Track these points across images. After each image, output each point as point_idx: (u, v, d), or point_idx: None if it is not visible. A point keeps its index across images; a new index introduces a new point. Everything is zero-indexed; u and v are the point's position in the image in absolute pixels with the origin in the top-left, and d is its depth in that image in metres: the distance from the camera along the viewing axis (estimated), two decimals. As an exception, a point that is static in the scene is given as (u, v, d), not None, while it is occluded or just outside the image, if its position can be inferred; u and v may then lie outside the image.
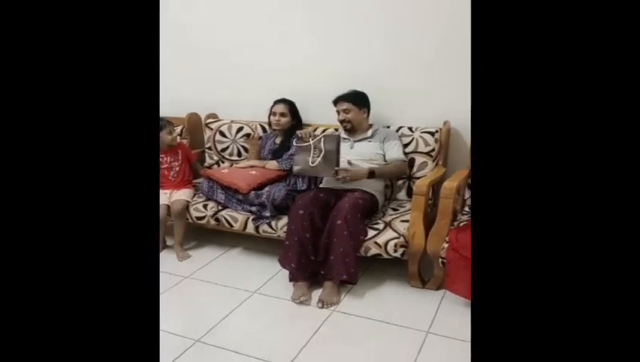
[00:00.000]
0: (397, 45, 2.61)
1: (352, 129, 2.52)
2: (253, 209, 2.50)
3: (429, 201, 2.32)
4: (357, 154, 2.46)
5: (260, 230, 2.47)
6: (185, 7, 3.10)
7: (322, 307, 2.09)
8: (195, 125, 3.20)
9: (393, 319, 1.99)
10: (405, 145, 2.55)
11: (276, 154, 2.73)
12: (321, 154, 2.31)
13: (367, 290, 2.24)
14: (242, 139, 3.02)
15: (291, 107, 2.76)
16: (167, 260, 2.59)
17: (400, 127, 2.60)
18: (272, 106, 2.77)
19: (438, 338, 1.86)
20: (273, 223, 2.43)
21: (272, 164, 2.68)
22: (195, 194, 2.77)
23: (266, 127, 2.94)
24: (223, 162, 3.08)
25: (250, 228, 2.49)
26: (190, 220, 2.68)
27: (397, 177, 2.58)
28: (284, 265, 2.27)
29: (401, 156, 2.47)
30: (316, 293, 2.18)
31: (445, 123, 2.55)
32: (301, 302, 2.13)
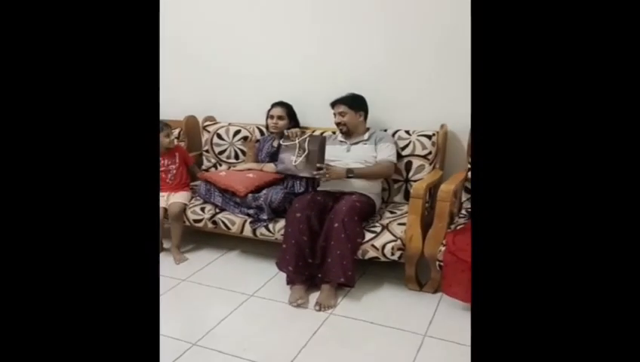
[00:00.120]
0: (395, 47, 2.62)
1: (348, 132, 2.52)
2: (251, 212, 2.50)
3: (426, 204, 2.32)
4: (353, 157, 2.46)
5: (258, 233, 2.46)
6: (184, 10, 3.10)
7: (319, 310, 2.09)
8: (192, 128, 3.20)
9: (390, 322, 1.99)
10: (402, 148, 2.55)
11: (274, 157, 2.72)
12: (304, 154, 2.32)
13: (364, 293, 2.24)
14: (240, 142, 3.02)
15: (289, 110, 2.77)
16: (164, 263, 2.58)
17: (397, 131, 2.60)
18: (270, 109, 2.77)
19: (436, 342, 1.86)
20: (270, 226, 2.43)
21: (270, 167, 2.67)
22: (192, 197, 2.77)
23: (264, 129, 2.94)
24: (220, 165, 3.08)
25: (248, 231, 2.49)
26: (187, 223, 2.68)
27: (383, 178, 2.55)
28: (281, 267, 2.27)
29: (390, 158, 2.44)
30: (313, 296, 2.18)
31: (442, 126, 2.56)
32: (298, 305, 2.12)
